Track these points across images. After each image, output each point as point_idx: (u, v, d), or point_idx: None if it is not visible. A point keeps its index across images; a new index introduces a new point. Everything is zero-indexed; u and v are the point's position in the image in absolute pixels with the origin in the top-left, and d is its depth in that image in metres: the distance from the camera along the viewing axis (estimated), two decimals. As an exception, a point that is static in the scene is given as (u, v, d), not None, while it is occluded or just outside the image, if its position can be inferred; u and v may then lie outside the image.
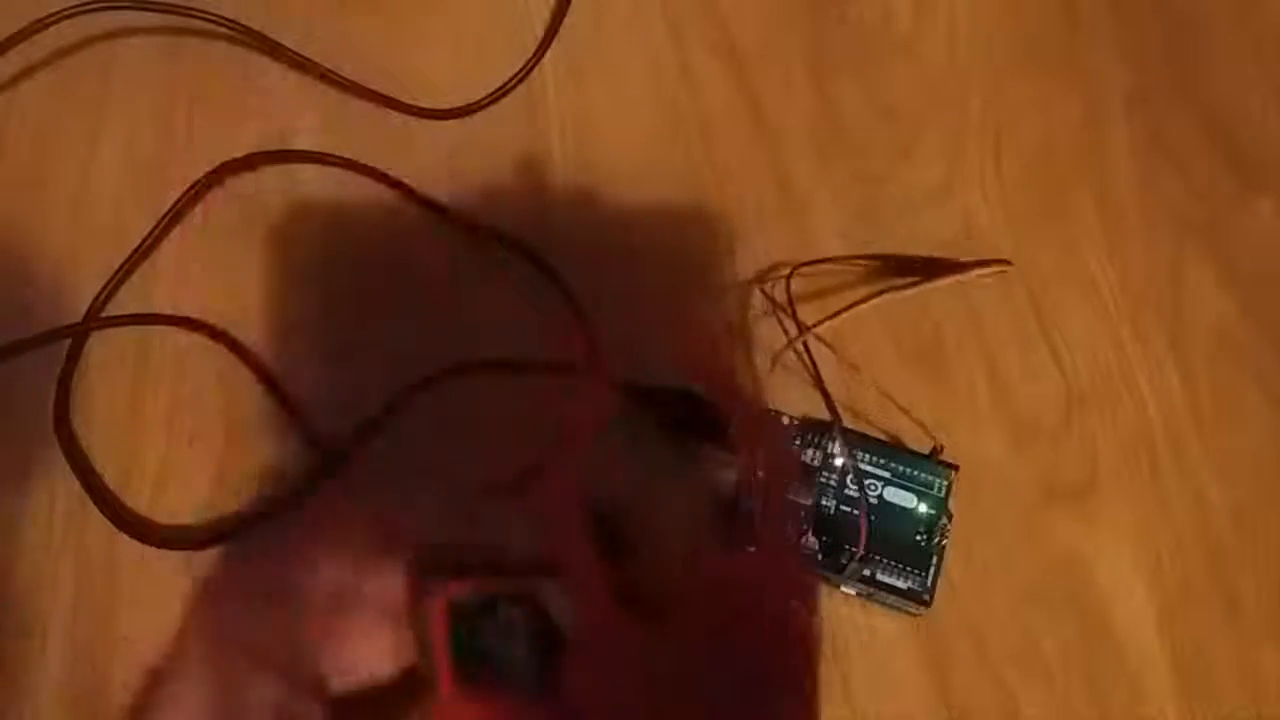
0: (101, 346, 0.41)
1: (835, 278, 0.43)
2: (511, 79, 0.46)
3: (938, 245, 0.44)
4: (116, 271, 0.42)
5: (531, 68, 0.47)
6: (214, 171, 0.44)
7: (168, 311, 0.42)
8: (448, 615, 0.23)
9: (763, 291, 0.43)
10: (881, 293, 0.41)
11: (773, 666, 0.24)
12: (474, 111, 0.46)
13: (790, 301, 0.41)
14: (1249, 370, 0.42)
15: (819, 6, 0.49)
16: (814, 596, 0.26)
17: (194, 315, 0.42)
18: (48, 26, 0.43)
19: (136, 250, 0.42)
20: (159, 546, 0.38)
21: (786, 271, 0.42)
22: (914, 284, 0.42)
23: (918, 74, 0.48)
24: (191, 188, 0.43)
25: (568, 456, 0.25)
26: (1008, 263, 0.42)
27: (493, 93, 0.46)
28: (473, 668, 0.23)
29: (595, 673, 0.23)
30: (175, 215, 0.43)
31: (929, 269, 0.42)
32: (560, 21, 0.47)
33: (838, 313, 0.40)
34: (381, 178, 0.44)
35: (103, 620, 0.37)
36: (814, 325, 0.40)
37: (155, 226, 0.43)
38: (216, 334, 0.41)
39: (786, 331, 0.41)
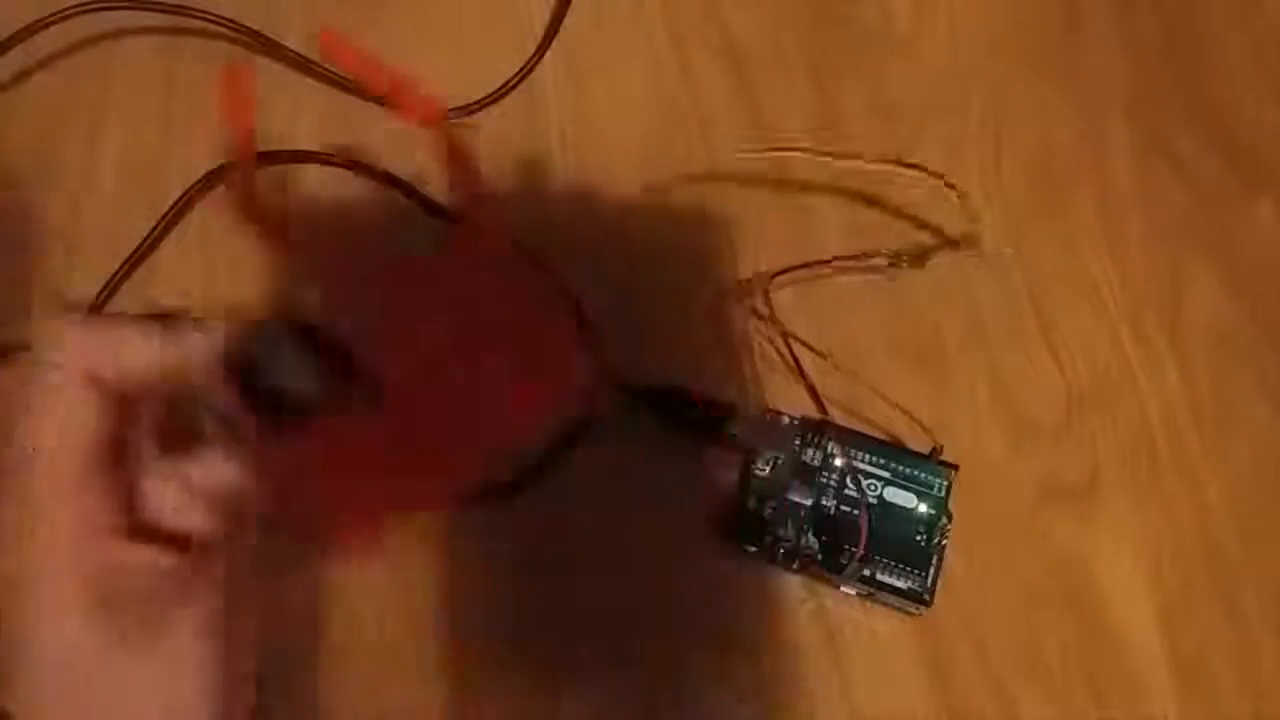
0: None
1: (833, 278, 0.43)
2: (512, 79, 0.46)
3: (937, 245, 0.44)
4: (116, 271, 0.42)
5: (531, 68, 0.47)
6: (214, 171, 0.44)
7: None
8: (234, 377, 0.24)
9: (752, 303, 0.42)
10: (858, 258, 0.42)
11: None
12: (474, 112, 0.46)
13: (768, 303, 0.41)
14: (1249, 370, 0.42)
15: (819, 6, 0.49)
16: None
17: (193, 315, 0.42)
18: (48, 26, 0.43)
19: (136, 250, 0.42)
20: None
21: (779, 273, 0.42)
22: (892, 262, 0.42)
23: (918, 74, 0.48)
24: (191, 187, 0.43)
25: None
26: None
27: (492, 93, 0.46)
28: (273, 409, 0.24)
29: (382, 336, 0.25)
30: (175, 215, 0.43)
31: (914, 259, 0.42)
32: (560, 22, 0.47)
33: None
34: (381, 177, 0.44)
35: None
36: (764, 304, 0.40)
37: (155, 226, 0.43)
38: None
39: (770, 336, 0.41)
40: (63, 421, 0.24)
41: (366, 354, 0.25)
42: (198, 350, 0.24)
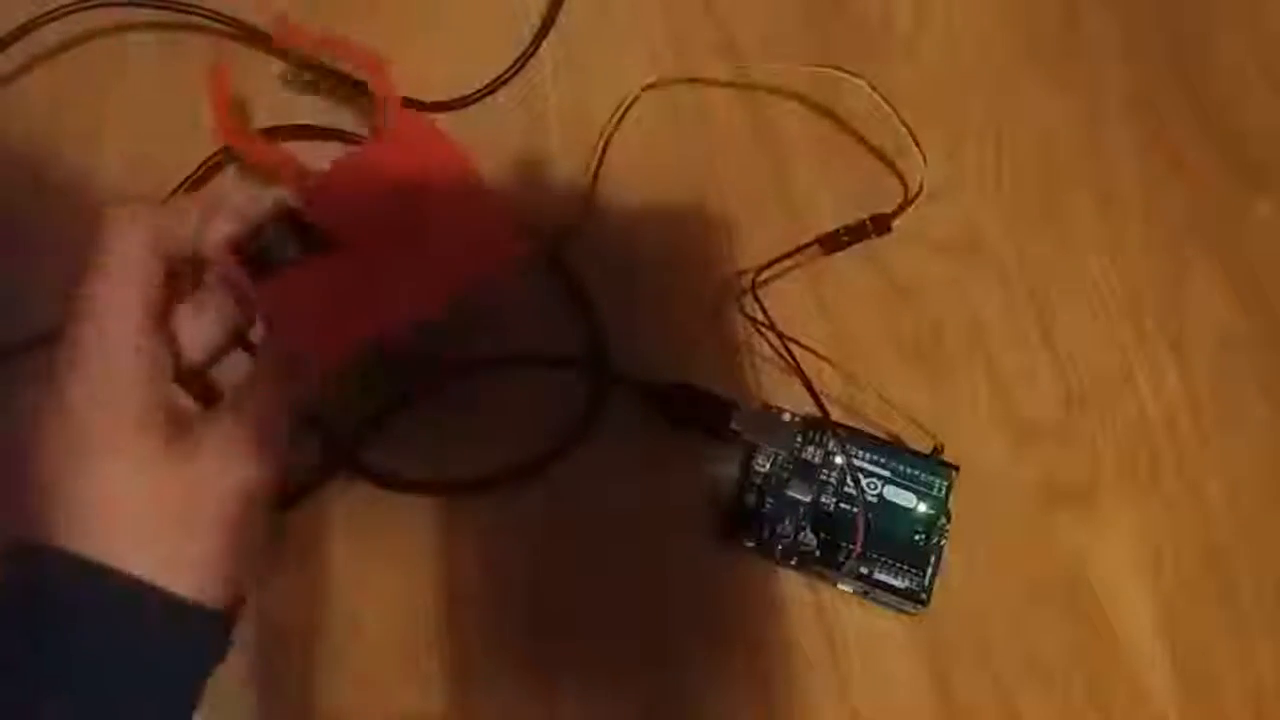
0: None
1: (835, 274, 0.43)
2: (505, 73, 0.46)
3: (938, 245, 0.44)
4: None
5: (527, 59, 0.47)
6: (213, 164, 0.44)
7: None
8: (232, 253, 0.32)
9: (744, 303, 0.42)
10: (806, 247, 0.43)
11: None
12: (470, 104, 0.46)
13: (758, 302, 0.41)
14: (1249, 370, 0.42)
15: (819, 6, 0.49)
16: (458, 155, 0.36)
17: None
18: (49, 22, 0.43)
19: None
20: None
21: (763, 267, 0.42)
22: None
23: (918, 74, 0.48)
24: (189, 179, 0.43)
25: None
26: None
27: (487, 84, 0.46)
28: (265, 268, 0.33)
29: (334, 213, 0.34)
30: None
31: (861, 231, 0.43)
32: (556, 13, 0.47)
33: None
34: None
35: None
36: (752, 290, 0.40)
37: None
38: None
39: (768, 336, 0.41)
40: (134, 281, 0.29)
41: (328, 219, 0.34)
42: (215, 231, 0.31)
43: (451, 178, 0.37)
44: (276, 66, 0.45)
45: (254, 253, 0.33)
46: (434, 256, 0.35)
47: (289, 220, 0.34)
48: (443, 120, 0.45)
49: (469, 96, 0.46)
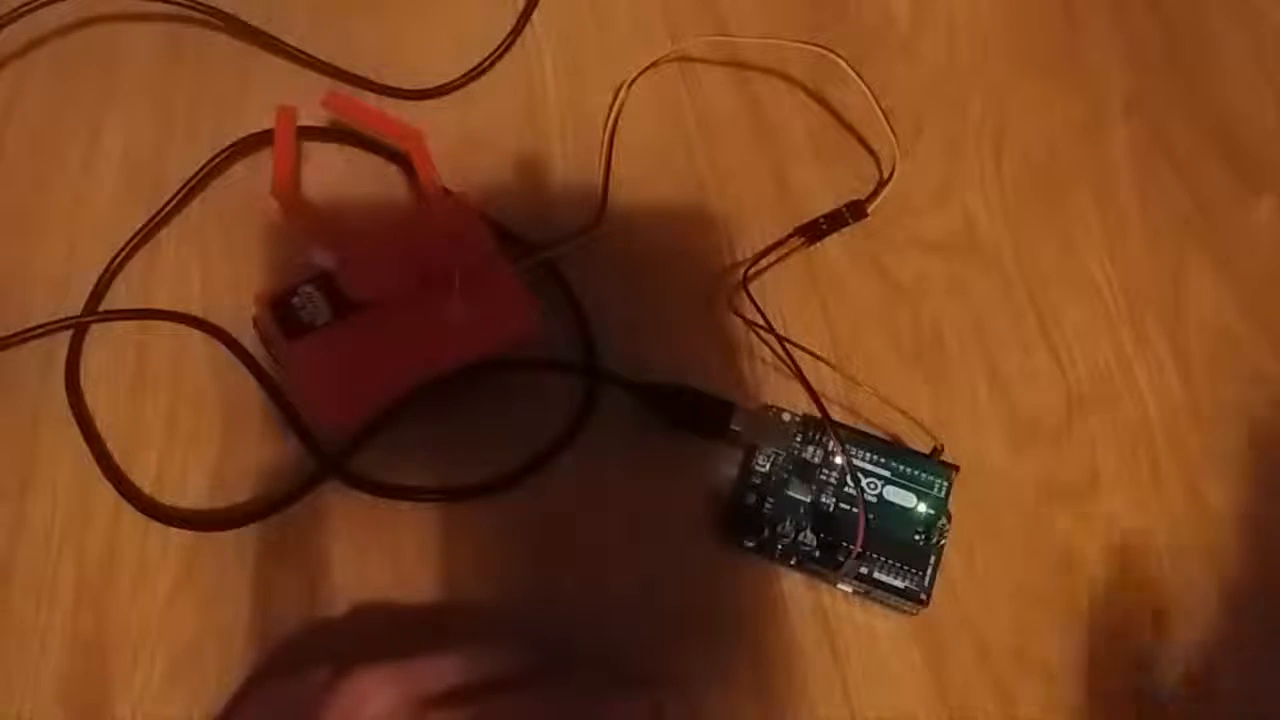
0: (101, 344, 0.41)
1: (830, 274, 0.43)
2: (486, 59, 0.47)
3: (937, 245, 0.44)
4: (114, 258, 0.42)
5: (510, 43, 0.48)
6: (213, 165, 0.44)
7: (167, 308, 0.42)
8: (269, 308, 0.38)
9: (739, 303, 0.42)
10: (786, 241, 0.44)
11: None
12: (460, 86, 0.47)
13: (750, 297, 0.41)
14: (1249, 370, 0.42)
15: (819, 6, 0.49)
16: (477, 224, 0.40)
17: (194, 313, 0.42)
18: (36, 9, 0.43)
19: (132, 239, 0.42)
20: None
21: (750, 263, 0.43)
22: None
23: (918, 74, 0.48)
24: (191, 180, 0.43)
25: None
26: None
27: (470, 70, 0.47)
28: (297, 327, 0.38)
29: (365, 279, 0.38)
30: (176, 206, 0.43)
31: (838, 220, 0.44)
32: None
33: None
34: (385, 152, 0.45)
35: (102, 612, 0.37)
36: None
37: (154, 216, 0.43)
38: (216, 332, 0.41)
39: (758, 332, 0.42)
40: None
41: (358, 287, 0.38)
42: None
43: (478, 254, 0.40)
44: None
45: (288, 312, 0.38)
46: (454, 328, 0.39)
47: (323, 284, 0.38)
48: (450, 126, 0.46)
49: (456, 81, 0.47)
